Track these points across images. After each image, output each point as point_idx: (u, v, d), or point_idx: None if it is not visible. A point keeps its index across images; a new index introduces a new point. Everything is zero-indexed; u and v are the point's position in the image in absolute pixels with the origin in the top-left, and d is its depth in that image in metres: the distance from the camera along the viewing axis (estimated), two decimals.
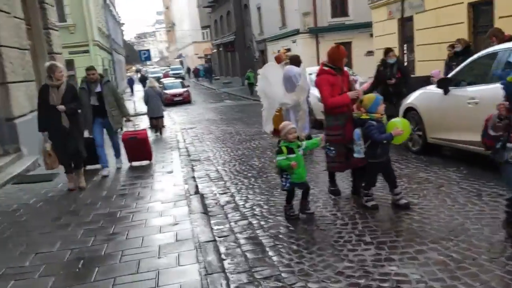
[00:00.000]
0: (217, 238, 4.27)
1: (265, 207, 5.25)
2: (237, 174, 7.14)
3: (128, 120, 8.05)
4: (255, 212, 5.09)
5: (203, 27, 52.56)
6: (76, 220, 5.05)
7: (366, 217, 4.54)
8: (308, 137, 8.78)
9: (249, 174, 7.03)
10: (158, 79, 43.60)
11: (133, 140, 7.98)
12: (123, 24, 55.17)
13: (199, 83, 45.07)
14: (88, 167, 7.42)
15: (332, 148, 5.06)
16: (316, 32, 24.54)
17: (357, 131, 4.70)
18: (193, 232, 4.34)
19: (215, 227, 4.65)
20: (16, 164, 8.06)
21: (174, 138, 11.94)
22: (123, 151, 8.10)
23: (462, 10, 11.70)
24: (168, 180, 6.77)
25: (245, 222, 4.81)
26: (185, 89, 26.04)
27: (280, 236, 4.28)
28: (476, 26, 11.55)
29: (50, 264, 3.83)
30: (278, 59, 8.82)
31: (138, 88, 35.69)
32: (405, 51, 15.07)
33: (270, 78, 7.98)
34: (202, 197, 5.85)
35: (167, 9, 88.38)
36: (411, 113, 7.16)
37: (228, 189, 6.30)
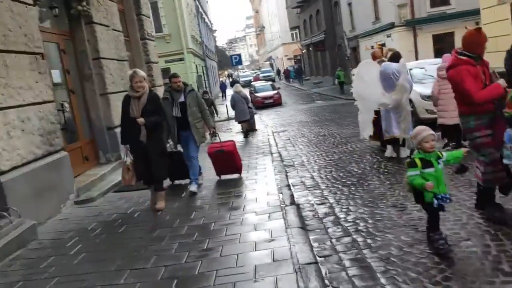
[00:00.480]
0: (318, 259, 3.81)
1: (370, 221, 4.67)
2: (335, 182, 6.61)
3: (214, 134, 7.16)
4: (359, 227, 4.54)
5: (292, 28, 52.35)
6: (170, 232, 4.91)
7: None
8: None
9: (348, 182, 6.46)
10: (249, 83, 44.66)
11: (220, 154, 7.20)
12: (215, 30, 57.00)
13: (290, 85, 44.84)
14: (177, 182, 7.38)
15: (486, 153, 4.08)
16: (413, 24, 22.93)
17: (509, 132, 3.88)
18: (291, 251, 3.92)
19: (315, 244, 4.19)
20: (117, 172, 8.31)
21: (266, 142, 11.70)
22: (209, 165, 7.63)
23: None
24: (261, 189, 6.45)
25: (348, 239, 4.29)
26: (275, 92, 25.94)
27: (393, 259, 3.69)
28: None
29: (144, 283, 3.67)
30: (374, 56, 8.13)
31: (230, 92, 36.46)
32: None
33: (365, 78, 7.34)
34: (299, 208, 5.43)
35: (257, 13, 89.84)
36: None
37: (326, 198, 5.81)
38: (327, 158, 8.54)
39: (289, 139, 12.12)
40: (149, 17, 13.46)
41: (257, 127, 15.42)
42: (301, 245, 4.03)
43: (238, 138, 13.17)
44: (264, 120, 18.67)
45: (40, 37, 6.62)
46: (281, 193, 6.10)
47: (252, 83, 34.42)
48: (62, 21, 8.32)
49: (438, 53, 22.20)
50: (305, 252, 3.92)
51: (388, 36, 24.25)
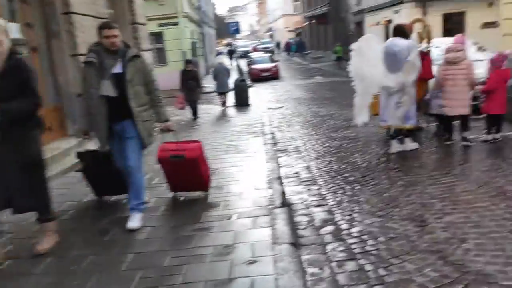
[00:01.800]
0: None
1: (381, 239, 3.65)
2: (335, 176, 5.57)
3: (168, 130, 4.35)
4: (367, 248, 3.52)
5: None
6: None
7: None
8: (418, 128, 6.92)
9: (351, 178, 5.42)
10: (247, 53, 43.02)
11: (178, 160, 4.46)
12: None
13: (290, 58, 43.34)
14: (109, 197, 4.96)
15: None
16: (424, 0, 21.50)
17: None
18: (276, 284, 2.90)
19: (309, 270, 3.19)
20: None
21: (259, 120, 10.62)
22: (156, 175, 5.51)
23: None
24: (248, 181, 5.40)
25: (353, 264, 3.28)
26: (273, 64, 24.66)
27: None
28: None
29: None
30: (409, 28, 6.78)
31: (226, 62, 35.09)
32: None
33: (367, 55, 6.16)
34: (290, 211, 4.41)
35: None
36: None
37: (324, 199, 4.78)
38: (326, 144, 7.48)
39: (284, 118, 11.03)
40: None
41: (251, 101, 14.30)
42: (290, 276, 3.00)
43: (230, 112, 12.15)
44: (260, 94, 17.51)
45: None
46: (271, 188, 5.06)
47: (250, 53, 32.95)
48: None
49: (446, 34, 20.93)
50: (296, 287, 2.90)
51: (396, 12, 22.83)
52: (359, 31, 30.04)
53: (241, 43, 70.00)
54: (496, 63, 6.36)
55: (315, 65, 30.99)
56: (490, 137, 6.40)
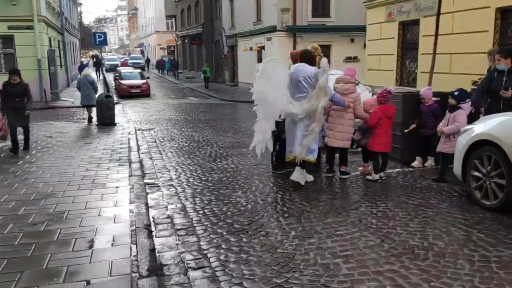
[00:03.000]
0: None
1: None
2: (217, 223, 4.61)
3: None
4: None
5: (168, 17, 49.17)
6: None
7: None
8: (315, 164, 6.38)
9: (236, 226, 4.51)
10: (115, 67, 40.24)
11: None
12: (81, 4, 50.83)
13: (161, 76, 41.78)
14: None
15: None
16: (294, 31, 22.26)
17: None
18: None
19: None
20: None
21: (125, 143, 9.25)
22: None
23: (489, 16, 9.72)
24: (105, 231, 4.15)
25: None
26: (144, 81, 23.17)
27: None
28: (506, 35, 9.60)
29: None
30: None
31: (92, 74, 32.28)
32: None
33: (272, 78, 5.52)
34: (161, 283, 3.30)
35: None
36: (484, 149, 4.89)
37: (205, 257, 3.77)
38: (203, 178, 6.51)
39: (155, 142, 9.82)
40: None
41: (117, 120, 12.75)
42: None
43: (93, 132, 10.46)
44: (127, 113, 15.95)
45: None
46: (135, 242, 3.90)
47: (119, 68, 30.72)
48: None
49: None
50: None
51: (269, 39, 23.28)
52: (232, 54, 30.17)
53: (110, 56, 66.06)
54: (380, 98, 6.16)
55: (188, 85, 30.13)
56: (377, 176, 6.12)
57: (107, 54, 72.04)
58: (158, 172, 6.89)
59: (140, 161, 7.65)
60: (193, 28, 37.17)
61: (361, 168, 6.61)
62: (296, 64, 5.87)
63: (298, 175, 5.70)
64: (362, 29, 22.79)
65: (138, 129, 11.74)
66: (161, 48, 56.68)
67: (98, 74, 32.65)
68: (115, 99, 18.73)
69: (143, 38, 70.19)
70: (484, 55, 7.71)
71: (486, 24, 9.77)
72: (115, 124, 12.10)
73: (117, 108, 16.22)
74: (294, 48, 22.41)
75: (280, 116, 5.70)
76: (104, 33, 21.91)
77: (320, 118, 5.47)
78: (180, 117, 14.53)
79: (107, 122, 11.99)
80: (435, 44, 9.84)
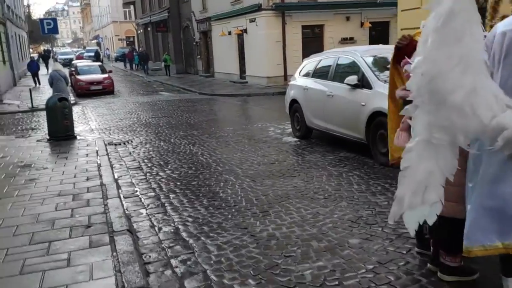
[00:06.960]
0: None
1: None
2: None
3: None
4: None
5: (126, 4, 44.74)
6: None
7: None
8: None
9: None
10: (70, 61, 35.68)
11: None
12: None
13: (123, 69, 37.59)
14: None
15: None
16: (283, 9, 19.04)
17: None
18: None
19: None
20: None
21: (94, 176, 5.82)
22: None
23: None
24: None
25: None
26: (106, 75, 19.42)
27: None
28: None
29: None
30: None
31: (45, 72, 28.03)
32: None
33: (465, 46, 2.31)
34: None
35: None
36: None
37: None
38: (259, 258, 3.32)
39: (140, 169, 6.48)
40: None
41: (77, 129, 9.30)
42: None
43: (42, 158, 6.92)
44: (89, 117, 12.35)
45: None
46: None
47: (74, 62, 26.52)
48: None
49: (306, 47, 18.91)
50: None
51: (252, 20, 19.94)
52: (206, 41, 26.64)
53: (63, 50, 60.60)
54: None
55: (155, 78, 26.41)
56: None
57: (60, 49, 66.37)
58: (174, 255, 3.61)
59: (125, 209, 4.33)
60: (156, 14, 33.18)
61: None
62: (506, 18, 2.64)
63: None
64: (358, 4, 20.05)
65: (109, 143, 8.33)
66: (119, 39, 52.07)
67: (47, 68, 28.37)
68: (72, 99, 15.08)
69: (98, 29, 64.93)
70: None
71: None
72: (74, 137, 8.59)
73: (76, 111, 12.67)
74: (283, 29, 19.19)
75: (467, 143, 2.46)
76: (54, 19, 18.06)
77: None
78: (161, 121, 11.14)
79: (62, 135, 8.44)
80: None
